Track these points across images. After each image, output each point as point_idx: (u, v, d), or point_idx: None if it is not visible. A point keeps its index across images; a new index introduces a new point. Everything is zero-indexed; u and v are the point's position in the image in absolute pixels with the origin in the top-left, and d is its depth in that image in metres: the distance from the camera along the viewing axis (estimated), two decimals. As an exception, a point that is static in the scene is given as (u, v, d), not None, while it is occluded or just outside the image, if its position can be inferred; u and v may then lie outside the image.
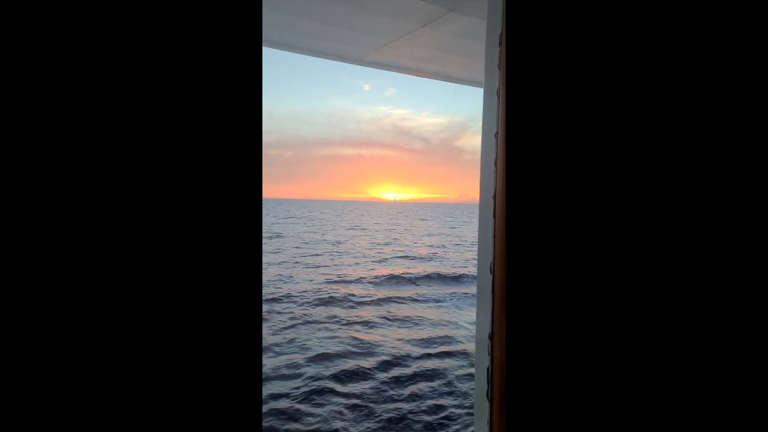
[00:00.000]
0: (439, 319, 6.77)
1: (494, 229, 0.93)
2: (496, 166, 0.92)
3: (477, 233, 0.99)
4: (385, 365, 4.80)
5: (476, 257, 1.01)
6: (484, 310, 0.97)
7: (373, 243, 19.11)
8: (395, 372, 4.60)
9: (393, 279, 10.21)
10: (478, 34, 2.21)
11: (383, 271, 11.26)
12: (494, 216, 0.94)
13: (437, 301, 8.14)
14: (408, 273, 10.88)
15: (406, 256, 14.56)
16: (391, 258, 14.09)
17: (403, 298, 8.23)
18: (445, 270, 11.51)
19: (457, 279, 10.39)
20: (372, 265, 12.41)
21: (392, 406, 3.86)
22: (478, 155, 1.01)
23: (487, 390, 0.93)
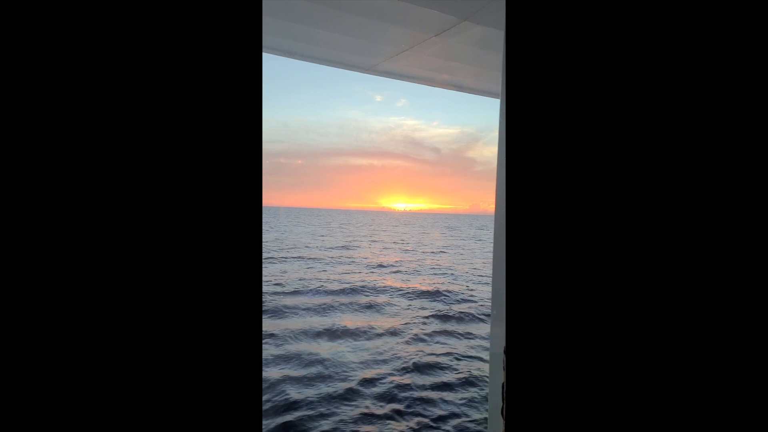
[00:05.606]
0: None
1: None
2: None
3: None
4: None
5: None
6: (498, 323, 0.95)
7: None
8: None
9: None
10: (492, 44, 2.20)
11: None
12: None
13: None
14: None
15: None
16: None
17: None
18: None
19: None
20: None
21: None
22: (490, 166, 1.00)
23: (502, 407, 0.90)
